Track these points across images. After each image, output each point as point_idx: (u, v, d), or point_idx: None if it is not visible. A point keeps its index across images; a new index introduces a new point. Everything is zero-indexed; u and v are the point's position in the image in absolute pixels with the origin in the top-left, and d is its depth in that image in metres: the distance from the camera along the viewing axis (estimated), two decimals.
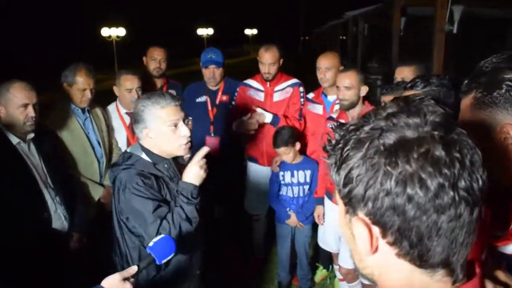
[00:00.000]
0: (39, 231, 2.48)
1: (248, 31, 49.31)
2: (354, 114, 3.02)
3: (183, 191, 2.03)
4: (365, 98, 3.04)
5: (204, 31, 35.56)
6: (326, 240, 3.48)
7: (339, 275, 3.46)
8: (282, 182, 3.47)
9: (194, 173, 2.06)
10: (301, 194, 3.45)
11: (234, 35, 44.00)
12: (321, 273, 3.93)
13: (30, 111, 2.53)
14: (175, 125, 2.06)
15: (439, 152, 0.65)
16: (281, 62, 3.64)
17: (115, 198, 2.07)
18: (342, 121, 3.08)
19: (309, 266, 3.65)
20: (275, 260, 3.88)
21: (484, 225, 1.19)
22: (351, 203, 0.72)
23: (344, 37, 21.96)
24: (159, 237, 1.60)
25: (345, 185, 0.72)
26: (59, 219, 2.63)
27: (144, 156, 2.10)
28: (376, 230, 0.70)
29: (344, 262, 3.22)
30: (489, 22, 13.23)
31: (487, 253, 1.11)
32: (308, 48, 39.39)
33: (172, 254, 1.60)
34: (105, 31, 22.29)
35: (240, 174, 3.93)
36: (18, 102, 2.51)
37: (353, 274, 3.25)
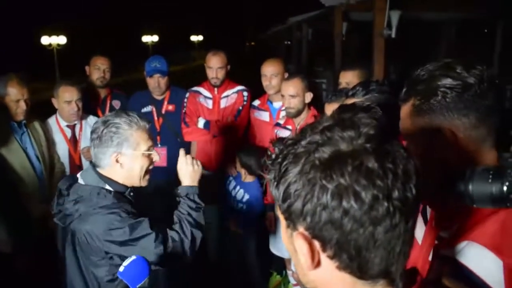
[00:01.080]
0: None
1: (194, 38, 49.05)
2: (300, 119, 3.06)
3: (189, 195, 1.89)
4: (310, 103, 3.08)
5: (149, 38, 34.99)
6: (279, 246, 3.49)
7: (292, 281, 3.47)
8: (227, 187, 3.51)
9: (190, 174, 1.92)
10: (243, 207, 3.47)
11: (179, 42, 43.54)
12: (275, 279, 3.92)
13: None
14: (150, 151, 1.87)
15: (372, 164, 0.66)
16: (228, 68, 3.62)
17: (81, 245, 1.79)
18: (289, 127, 3.11)
19: (259, 272, 3.64)
20: (227, 267, 3.85)
21: (430, 227, 1.22)
22: (291, 218, 0.72)
23: (288, 42, 22.31)
24: (129, 260, 1.42)
25: (284, 200, 0.71)
26: (3, 241, 2.47)
27: (107, 187, 1.82)
28: (316, 244, 0.70)
29: None
30: (424, 25, 13.87)
31: (433, 256, 1.13)
32: (253, 53, 39.65)
33: (146, 278, 1.44)
34: (45, 39, 21.42)
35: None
36: None
37: None
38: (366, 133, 0.69)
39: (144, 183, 1.91)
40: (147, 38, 34.96)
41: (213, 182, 3.67)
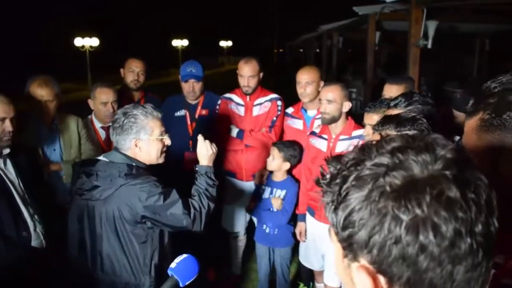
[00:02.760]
0: (20, 251, 2.33)
1: (223, 43, 49.44)
2: (336, 129, 2.99)
3: (208, 173, 2.23)
4: (348, 114, 3.01)
5: (179, 43, 35.42)
6: (308, 257, 3.42)
7: None
8: (262, 196, 3.42)
9: (209, 156, 2.31)
10: (275, 213, 3.36)
11: (209, 47, 43.97)
12: None
13: (8, 126, 2.39)
14: (162, 135, 2.18)
15: (454, 193, 0.58)
16: (261, 76, 3.58)
17: (114, 214, 2.02)
18: (325, 136, 3.05)
19: (288, 285, 3.57)
20: (255, 277, 3.79)
21: None
22: (351, 248, 0.65)
23: (318, 50, 22.25)
24: (181, 257, 1.53)
25: (344, 228, 0.64)
26: (37, 237, 2.47)
27: (133, 163, 2.12)
28: (381, 279, 0.62)
29: (330, 280, 3.15)
30: (457, 36, 13.60)
31: (492, 284, 1.06)
32: (282, 60, 39.68)
33: (196, 275, 1.52)
34: (78, 41, 21.91)
35: (218, 189, 3.83)
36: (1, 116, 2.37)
37: None
38: (444, 157, 0.62)
39: (161, 160, 2.25)
40: (177, 42, 35.38)
41: (243, 191, 3.64)
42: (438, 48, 7.05)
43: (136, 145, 2.13)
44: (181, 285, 1.47)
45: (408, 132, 1.80)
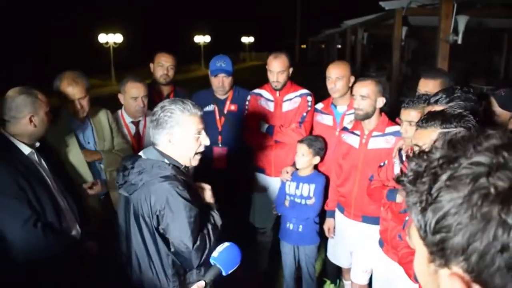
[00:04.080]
0: (64, 240, 2.38)
1: (245, 39, 49.39)
2: (369, 125, 2.94)
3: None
4: (381, 110, 2.96)
5: (201, 38, 35.52)
6: (336, 254, 3.39)
7: None
8: (287, 192, 3.39)
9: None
10: (302, 209, 3.34)
11: (231, 43, 43.99)
12: (328, 287, 3.83)
13: (50, 116, 2.48)
14: (199, 134, 2.08)
15: None
16: (290, 71, 3.54)
17: (138, 210, 1.97)
18: (358, 132, 3.00)
19: (314, 282, 3.54)
20: (280, 274, 3.77)
21: None
22: (443, 253, 0.60)
23: (340, 46, 22.01)
24: (223, 246, 1.52)
25: (436, 232, 0.60)
26: (75, 227, 2.51)
27: (166, 161, 2.05)
28: None
29: (358, 278, 3.12)
30: (485, 32, 13.28)
31: None
32: (305, 57, 39.41)
33: (239, 264, 1.52)
34: (103, 38, 22.18)
35: (247, 185, 3.82)
36: (47, 108, 2.43)
37: None
38: None
39: (194, 163, 2.14)
40: (199, 38, 35.51)
41: (273, 188, 3.62)
42: (465, 44, 6.86)
43: (169, 141, 2.05)
44: (224, 273, 1.45)
45: (454, 129, 1.75)
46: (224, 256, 1.48)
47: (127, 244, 2.06)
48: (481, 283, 0.57)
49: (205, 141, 2.11)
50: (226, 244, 1.52)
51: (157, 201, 1.90)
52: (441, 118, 1.79)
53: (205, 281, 1.40)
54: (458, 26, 6.15)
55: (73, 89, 2.92)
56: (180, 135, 2.04)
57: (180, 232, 1.91)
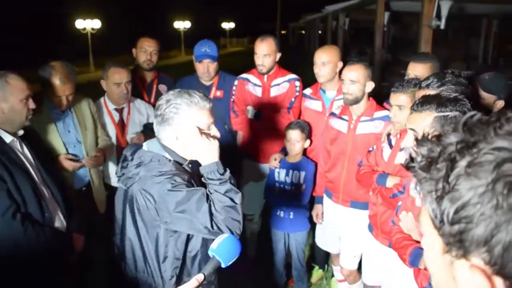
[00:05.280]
0: (46, 232, 2.28)
1: (225, 25, 48.95)
2: (358, 110, 2.92)
3: (209, 174, 1.83)
4: (369, 94, 2.94)
5: (181, 24, 35.03)
6: (325, 240, 3.39)
7: (339, 276, 3.37)
8: (277, 179, 3.36)
9: (207, 149, 1.85)
10: (292, 196, 3.32)
11: (211, 28, 43.51)
12: (317, 273, 3.84)
13: (31, 103, 2.34)
14: (208, 129, 1.90)
15: None
16: (278, 56, 3.49)
17: (140, 208, 1.84)
18: (346, 117, 2.98)
19: (304, 268, 3.54)
20: (270, 261, 3.76)
21: None
22: (461, 244, 0.56)
23: (320, 32, 21.99)
24: (222, 237, 1.45)
25: (454, 222, 0.56)
26: (58, 218, 2.43)
27: (167, 156, 1.91)
28: (499, 282, 0.55)
29: (346, 263, 3.13)
30: (465, 17, 13.40)
31: None
32: (285, 43, 39.35)
33: (238, 255, 1.46)
34: (80, 23, 21.68)
35: (234, 172, 3.78)
36: (21, 95, 2.29)
37: (356, 275, 3.17)
38: None
39: None
40: (179, 24, 35.01)
41: (261, 174, 3.58)
42: (444, 30, 6.89)
43: (176, 138, 1.88)
44: (223, 266, 1.42)
45: (449, 113, 1.73)
46: (223, 248, 1.42)
47: (121, 238, 1.97)
48: (505, 276, 0.54)
49: (216, 134, 1.93)
50: (225, 235, 1.46)
51: (154, 197, 1.78)
52: (436, 101, 1.77)
53: (204, 273, 1.36)
54: (441, 11, 6.16)
55: (64, 86, 2.83)
56: (188, 131, 1.85)
57: (189, 224, 1.78)
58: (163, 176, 1.79)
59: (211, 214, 1.76)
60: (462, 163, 0.56)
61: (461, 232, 0.56)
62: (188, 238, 1.91)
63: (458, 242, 0.57)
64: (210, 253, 1.43)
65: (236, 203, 1.82)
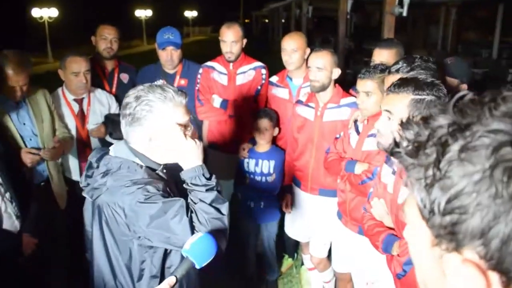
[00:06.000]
0: None
1: (188, 13, 48.24)
2: (324, 97, 2.89)
3: (193, 179, 1.61)
4: (335, 81, 2.91)
5: (143, 13, 34.24)
6: (294, 229, 3.37)
7: (309, 264, 3.37)
8: (246, 170, 3.31)
9: (190, 151, 1.63)
10: (263, 186, 3.28)
11: (173, 17, 42.74)
12: (287, 262, 3.83)
13: None
14: (186, 128, 1.68)
15: None
16: (244, 42, 3.41)
17: (108, 222, 1.62)
18: (312, 105, 2.94)
19: (275, 258, 3.52)
20: (240, 253, 3.72)
21: None
22: (453, 237, 0.52)
23: (284, 20, 21.98)
24: (196, 236, 1.31)
25: (446, 212, 0.51)
26: (9, 218, 2.29)
27: (138, 161, 1.67)
28: (494, 278, 0.50)
29: (316, 251, 3.12)
30: (425, 5, 13.68)
31: None
32: (249, 31, 39.19)
33: (214, 255, 1.34)
34: (36, 12, 20.85)
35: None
36: None
37: (325, 263, 3.17)
38: None
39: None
40: (140, 13, 34.21)
41: (228, 164, 3.51)
42: (404, 17, 6.99)
43: (150, 139, 1.65)
44: (197, 267, 1.33)
45: (426, 97, 1.73)
46: (197, 247, 1.31)
47: (91, 253, 1.76)
48: (502, 271, 0.49)
49: (194, 133, 1.73)
50: (199, 234, 1.34)
51: (125, 209, 1.57)
52: (413, 84, 1.76)
53: (176, 276, 1.26)
54: None
55: (17, 76, 2.68)
56: (165, 131, 1.64)
57: (167, 240, 1.58)
58: (134, 186, 1.57)
59: (192, 228, 1.55)
60: (455, 147, 0.51)
61: (453, 224, 0.51)
62: (166, 253, 1.70)
63: (449, 234, 0.52)
64: (183, 253, 1.32)
65: (223, 214, 1.62)
